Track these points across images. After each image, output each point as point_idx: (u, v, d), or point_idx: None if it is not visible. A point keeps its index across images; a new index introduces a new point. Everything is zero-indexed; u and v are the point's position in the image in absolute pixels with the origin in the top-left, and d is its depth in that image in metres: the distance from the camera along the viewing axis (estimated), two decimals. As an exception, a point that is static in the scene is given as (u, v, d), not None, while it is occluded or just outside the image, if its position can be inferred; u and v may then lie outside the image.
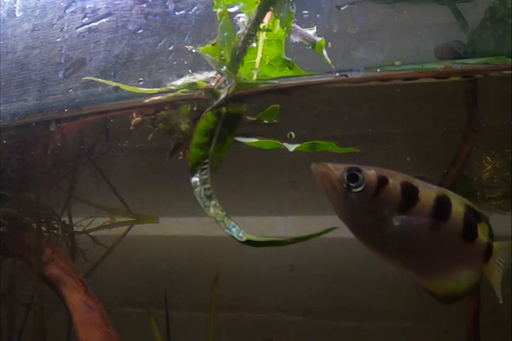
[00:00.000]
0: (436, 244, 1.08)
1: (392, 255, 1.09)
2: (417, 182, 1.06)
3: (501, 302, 1.15)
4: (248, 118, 1.27)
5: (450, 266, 1.12)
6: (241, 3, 1.17)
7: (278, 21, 1.19)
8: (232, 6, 1.18)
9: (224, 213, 1.06)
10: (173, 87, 1.27)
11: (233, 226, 1.04)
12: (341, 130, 1.76)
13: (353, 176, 1.02)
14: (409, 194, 1.04)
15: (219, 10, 1.14)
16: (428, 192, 1.05)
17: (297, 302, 2.35)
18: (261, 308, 2.41)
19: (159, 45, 1.36)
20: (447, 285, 1.12)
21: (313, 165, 1.04)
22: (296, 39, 1.22)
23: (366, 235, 1.08)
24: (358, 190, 1.02)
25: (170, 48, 1.35)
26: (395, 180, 1.04)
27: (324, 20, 1.27)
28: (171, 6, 1.35)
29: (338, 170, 1.03)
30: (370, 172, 1.03)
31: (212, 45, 1.16)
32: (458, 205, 1.08)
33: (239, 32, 1.16)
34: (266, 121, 1.29)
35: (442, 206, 1.06)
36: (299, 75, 1.26)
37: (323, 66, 1.23)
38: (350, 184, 1.02)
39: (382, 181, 1.03)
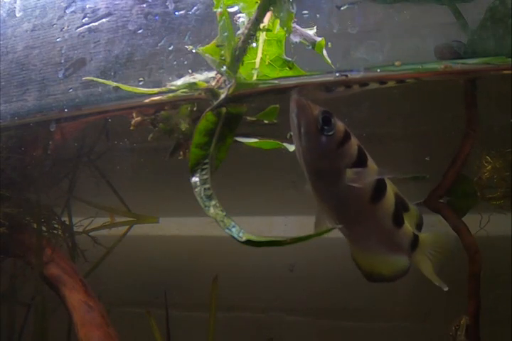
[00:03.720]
0: (371, 218, 1.11)
1: (333, 211, 1.10)
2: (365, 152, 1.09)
3: (446, 289, 1.17)
4: (248, 118, 1.27)
5: (379, 245, 1.14)
6: (241, 3, 1.17)
7: (278, 21, 1.19)
8: (232, 6, 1.18)
9: (224, 213, 1.06)
10: (173, 87, 1.27)
11: (233, 226, 1.04)
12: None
13: (326, 119, 1.03)
14: (362, 158, 1.06)
15: (219, 10, 1.14)
16: (373, 165, 1.08)
17: (297, 302, 2.35)
18: (261, 308, 2.41)
19: (159, 45, 1.36)
20: (373, 263, 1.15)
21: (295, 96, 1.05)
22: (296, 39, 1.22)
23: (319, 181, 1.08)
24: (329, 133, 1.03)
25: (170, 48, 1.35)
26: (355, 140, 1.07)
27: (324, 20, 1.27)
28: (171, 6, 1.35)
29: (315, 109, 1.04)
30: (340, 123, 1.05)
31: (218, 46, 1.16)
32: (390, 189, 1.11)
33: (239, 32, 1.16)
34: (266, 121, 1.29)
35: (381, 183, 1.09)
36: (299, 75, 1.26)
37: (323, 66, 1.23)
38: (325, 126, 1.03)
39: (348, 135, 1.05)
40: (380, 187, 1.09)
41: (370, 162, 1.08)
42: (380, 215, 1.11)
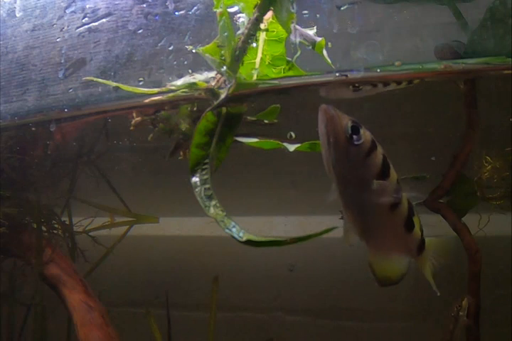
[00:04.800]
0: (389, 224, 1.13)
1: (357, 218, 1.12)
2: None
3: (438, 294, 1.21)
4: (248, 118, 1.27)
5: (392, 249, 1.17)
6: (241, 3, 1.17)
7: (278, 21, 1.18)
8: (232, 6, 1.18)
9: (224, 213, 1.06)
10: (173, 87, 1.27)
11: (233, 227, 1.04)
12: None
13: (355, 129, 1.04)
14: (386, 167, 1.08)
15: (219, 10, 1.14)
16: (394, 173, 1.10)
17: (297, 302, 2.35)
18: (261, 308, 2.41)
19: (159, 45, 1.36)
20: (385, 268, 1.17)
21: (323, 105, 1.05)
22: (296, 39, 1.21)
23: (346, 189, 1.09)
24: (358, 143, 1.04)
25: (170, 48, 1.35)
26: (381, 149, 1.08)
27: (324, 20, 1.27)
28: (171, 6, 1.35)
29: (343, 118, 1.04)
30: (367, 132, 1.06)
31: (219, 46, 1.16)
32: (404, 195, 1.13)
33: (239, 32, 1.16)
34: (266, 121, 1.29)
35: (399, 190, 1.10)
36: (299, 75, 1.26)
37: (323, 66, 1.23)
38: (354, 136, 1.03)
39: (374, 145, 1.06)
40: (398, 193, 1.10)
41: (392, 171, 1.09)
42: (396, 222, 1.13)
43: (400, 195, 1.10)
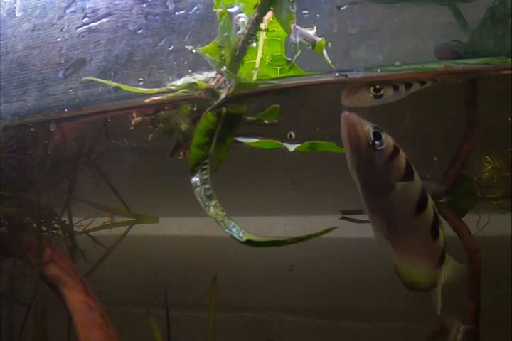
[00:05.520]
0: (415, 229, 1.14)
1: (383, 222, 1.13)
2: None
3: (439, 313, 1.20)
4: (248, 118, 1.27)
5: (419, 255, 1.17)
6: (241, 3, 1.17)
7: (278, 21, 1.18)
8: (232, 6, 1.18)
9: (224, 213, 1.06)
10: (173, 87, 1.27)
11: (233, 227, 1.04)
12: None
13: (377, 135, 1.06)
14: (409, 171, 1.09)
15: (219, 10, 1.14)
16: (418, 177, 1.11)
17: (297, 302, 2.35)
18: (261, 308, 2.41)
19: (159, 45, 1.36)
20: (412, 273, 1.18)
21: (345, 113, 1.07)
22: (296, 39, 1.21)
23: (371, 194, 1.12)
24: (380, 148, 1.06)
25: (170, 48, 1.35)
26: (403, 153, 1.10)
27: (324, 20, 1.27)
28: (171, 6, 1.35)
29: (365, 124, 1.07)
30: (389, 138, 1.08)
31: (219, 47, 1.16)
32: (430, 201, 1.13)
33: (239, 32, 1.16)
34: (266, 121, 1.29)
35: (424, 195, 1.12)
36: (299, 75, 1.26)
37: (323, 66, 1.23)
38: (376, 141, 1.06)
39: (397, 149, 1.08)
40: (423, 199, 1.12)
41: (416, 176, 1.10)
42: (422, 226, 1.14)
43: (425, 197, 1.11)
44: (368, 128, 1.06)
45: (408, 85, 1.27)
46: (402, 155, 1.08)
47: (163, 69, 1.35)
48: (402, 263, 1.17)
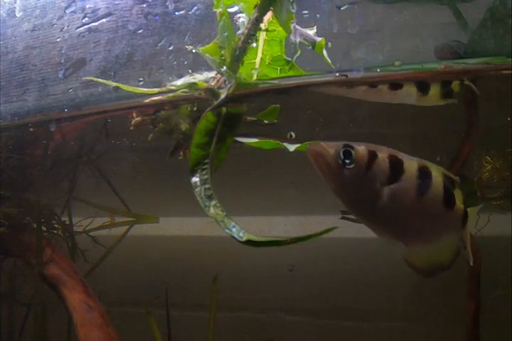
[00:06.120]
0: (421, 213, 1.13)
1: (383, 225, 1.14)
2: (401, 155, 1.12)
3: (471, 264, 1.22)
4: (248, 118, 1.27)
5: (434, 234, 1.17)
6: (241, 3, 1.17)
7: (278, 21, 1.18)
8: (232, 6, 1.18)
9: (224, 213, 1.06)
10: (173, 87, 1.27)
11: (233, 227, 1.04)
12: (341, 130, 1.76)
13: (346, 153, 1.07)
14: (396, 166, 1.09)
15: (219, 10, 1.14)
16: (411, 163, 1.11)
17: (297, 302, 2.35)
18: (261, 308, 2.41)
19: (159, 45, 1.36)
20: (432, 254, 1.17)
21: (309, 146, 1.09)
22: (296, 39, 1.21)
23: (360, 207, 1.12)
24: (351, 166, 1.07)
25: (170, 48, 1.35)
26: (383, 153, 1.10)
27: (324, 20, 1.27)
28: (171, 6, 1.35)
29: (331, 147, 1.08)
30: (361, 148, 1.08)
31: (219, 47, 1.16)
32: (437, 174, 1.13)
33: (239, 32, 1.16)
34: (266, 121, 1.29)
35: (424, 175, 1.11)
36: (299, 75, 1.26)
37: (323, 66, 1.23)
38: (345, 161, 1.07)
39: (372, 156, 1.08)
40: (423, 180, 1.11)
41: (408, 162, 1.10)
42: (430, 205, 1.13)
43: (426, 175, 1.10)
44: (335, 150, 1.07)
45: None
46: (382, 157, 1.08)
47: (163, 69, 1.35)
48: (415, 253, 1.16)
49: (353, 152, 1.07)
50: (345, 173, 1.07)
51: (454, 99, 1.30)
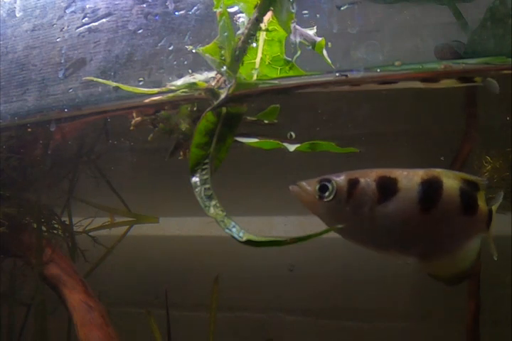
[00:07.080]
0: (432, 226, 1.11)
1: (387, 247, 1.14)
2: (398, 173, 1.11)
3: (496, 258, 1.18)
4: (248, 118, 1.27)
5: (455, 242, 1.14)
6: (241, 3, 1.17)
7: (278, 21, 1.18)
8: (232, 6, 1.18)
9: (224, 213, 1.06)
10: (173, 87, 1.27)
11: (233, 227, 1.04)
12: (341, 130, 1.76)
13: (323, 187, 1.11)
14: (387, 186, 1.09)
15: (219, 10, 1.14)
16: (410, 179, 1.09)
17: (297, 302, 2.35)
18: (261, 308, 2.41)
19: (159, 45, 1.36)
20: (453, 264, 1.15)
21: (290, 187, 1.14)
22: (296, 39, 1.21)
23: (357, 235, 1.14)
24: (328, 199, 1.10)
25: (170, 48, 1.35)
26: (368, 178, 1.10)
27: (324, 20, 1.27)
28: (171, 6, 1.35)
29: (310, 185, 1.13)
30: (339, 179, 1.11)
31: (219, 47, 1.16)
32: (451, 182, 1.10)
33: (239, 32, 1.16)
34: (266, 121, 1.29)
35: (430, 188, 1.09)
36: (299, 75, 1.26)
37: (323, 66, 1.23)
38: (323, 195, 1.11)
39: (353, 184, 1.10)
40: (429, 193, 1.09)
41: (405, 180, 1.09)
42: (443, 215, 1.10)
43: (432, 195, 1.08)
44: (313, 186, 1.11)
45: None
46: (366, 181, 1.09)
47: (163, 69, 1.35)
48: (441, 264, 1.14)
49: (329, 185, 1.10)
50: (327, 206, 1.10)
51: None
